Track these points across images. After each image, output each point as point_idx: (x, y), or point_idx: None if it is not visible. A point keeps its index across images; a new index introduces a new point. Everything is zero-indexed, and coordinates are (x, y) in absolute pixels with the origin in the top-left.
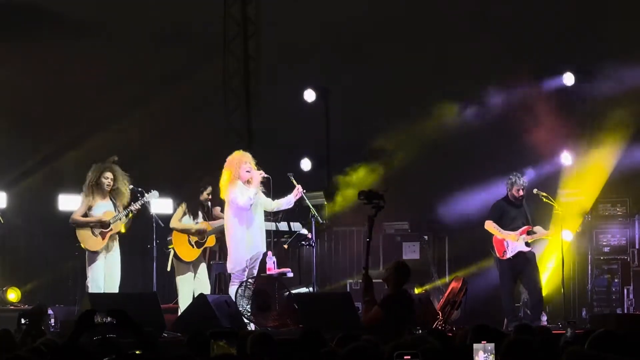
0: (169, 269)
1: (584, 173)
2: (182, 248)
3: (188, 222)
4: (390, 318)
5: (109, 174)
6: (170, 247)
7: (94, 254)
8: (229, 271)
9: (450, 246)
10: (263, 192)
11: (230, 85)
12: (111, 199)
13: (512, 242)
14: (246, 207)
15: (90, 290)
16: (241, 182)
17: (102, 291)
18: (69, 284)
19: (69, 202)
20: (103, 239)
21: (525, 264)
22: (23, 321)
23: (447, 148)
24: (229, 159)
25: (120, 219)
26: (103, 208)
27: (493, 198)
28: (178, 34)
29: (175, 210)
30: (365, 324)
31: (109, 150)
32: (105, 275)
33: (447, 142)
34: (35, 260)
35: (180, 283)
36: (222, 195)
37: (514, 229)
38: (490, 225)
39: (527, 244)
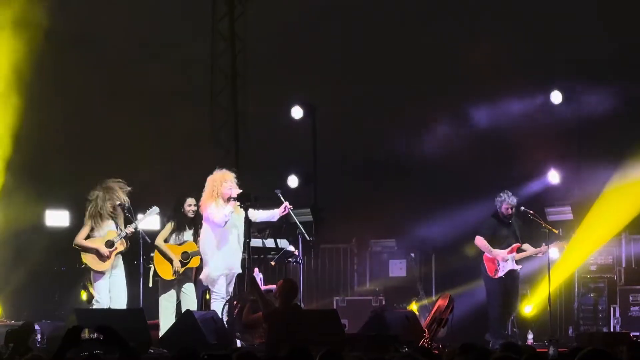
0: (150, 284)
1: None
2: (162, 266)
3: (174, 241)
4: (272, 331)
5: (109, 204)
6: (150, 264)
7: (100, 274)
8: (204, 284)
9: (437, 264)
10: (240, 206)
11: (218, 102)
12: (112, 218)
13: (503, 261)
14: (220, 224)
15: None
16: (221, 200)
17: (109, 306)
18: (55, 299)
19: (55, 218)
20: (109, 258)
21: (513, 282)
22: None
23: (434, 166)
24: (211, 177)
25: (122, 237)
26: (106, 228)
27: (481, 216)
28: (165, 49)
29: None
30: (244, 321)
31: (96, 165)
32: (111, 292)
33: (434, 160)
34: (22, 276)
35: (162, 301)
36: (202, 212)
37: (504, 248)
38: (481, 242)
39: (516, 262)
